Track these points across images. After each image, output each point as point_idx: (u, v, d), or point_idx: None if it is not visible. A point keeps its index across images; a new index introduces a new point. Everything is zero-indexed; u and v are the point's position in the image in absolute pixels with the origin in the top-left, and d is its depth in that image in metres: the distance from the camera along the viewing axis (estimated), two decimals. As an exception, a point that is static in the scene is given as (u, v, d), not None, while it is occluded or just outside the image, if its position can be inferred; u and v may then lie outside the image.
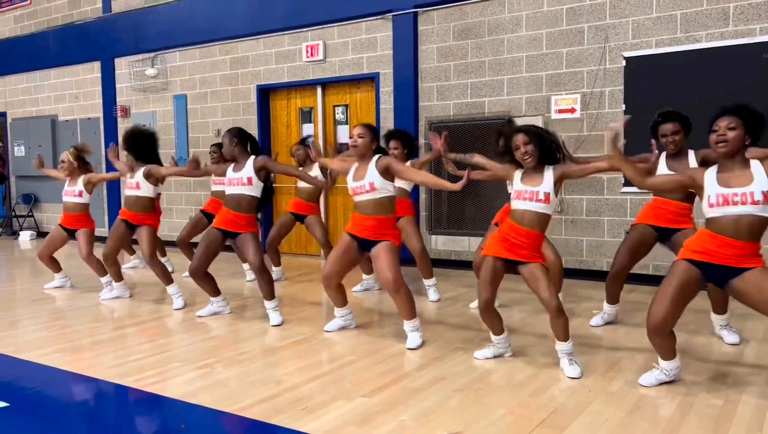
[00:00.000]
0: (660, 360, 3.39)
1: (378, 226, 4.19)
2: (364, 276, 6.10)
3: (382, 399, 3.25)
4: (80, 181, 6.02)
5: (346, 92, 8.09)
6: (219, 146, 6.60)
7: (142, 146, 5.57)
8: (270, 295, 4.86)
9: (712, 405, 3.11)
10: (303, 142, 6.54)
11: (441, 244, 7.37)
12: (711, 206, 3.09)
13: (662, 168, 4.18)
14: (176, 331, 4.75)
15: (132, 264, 7.58)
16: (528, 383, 3.47)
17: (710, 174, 3.15)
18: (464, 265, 7.17)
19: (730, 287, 3.15)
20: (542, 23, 6.56)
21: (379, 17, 7.52)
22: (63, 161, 6.07)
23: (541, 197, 3.58)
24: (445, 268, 7.21)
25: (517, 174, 3.72)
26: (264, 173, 4.86)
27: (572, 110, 6.43)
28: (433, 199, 7.36)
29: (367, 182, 4.18)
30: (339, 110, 8.21)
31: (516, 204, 3.67)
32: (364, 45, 7.71)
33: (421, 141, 7.36)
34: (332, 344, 4.33)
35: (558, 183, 3.63)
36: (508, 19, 6.75)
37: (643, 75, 6.05)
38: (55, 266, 6.29)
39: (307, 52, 8.08)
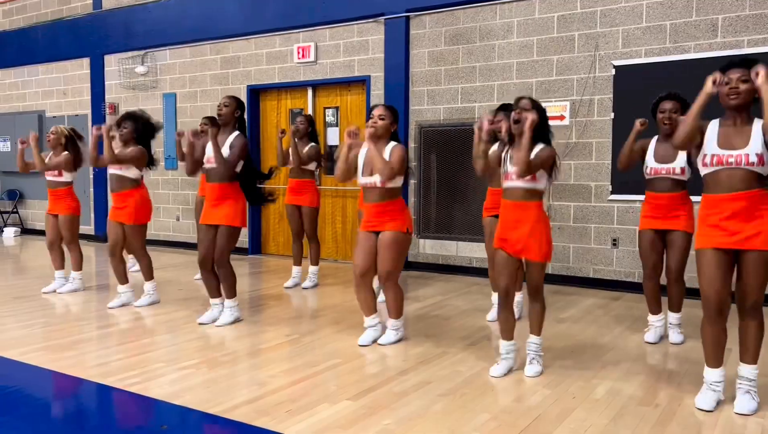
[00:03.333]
0: (705, 373, 3.23)
1: (385, 210, 4.17)
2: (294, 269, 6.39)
3: (366, 402, 3.24)
4: (57, 158, 5.95)
5: (337, 94, 8.08)
6: (210, 119, 6.60)
7: (146, 134, 5.47)
8: (229, 293, 4.85)
9: (695, 412, 3.13)
10: (310, 119, 6.50)
11: (429, 248, 7.37)
12: (705, 165, 3.14)
13: (650, 154, 4.25)
14: (160, 331, 4.71)
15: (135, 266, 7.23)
16: (512, 388, 3.47)
17: (712, 130, 3.15)
18: (452, 269, 7.18)
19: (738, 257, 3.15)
20: (533, 30, 6.60)
21: (371, 20, 7.53)
22: (54, 132, 6.01)
23: (527, 177, 3.59)
24: (432, 272, 7.22)
25: (506, 156, 3.72)
26: (235, 158, 4.79)
27: (561, 117, 6.46)
28: (421, 203, 7.37)
29: (377, 180, 4.14)
30: (329, 112, 8.20)
31: (507, 184, 3.70)
32: (356, 48, 7.71)
33: (411, 144, 7.37)
34: (317, 347, 4.32)
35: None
36: (499, 26, 6.78)
37: (632, 84, 6.09)
38: (59, 261, 6.11)
39: (299, 53, 8.07)
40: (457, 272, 7.13)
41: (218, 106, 4.87)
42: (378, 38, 7.51)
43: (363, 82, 7.72)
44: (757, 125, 3.07)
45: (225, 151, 4.75)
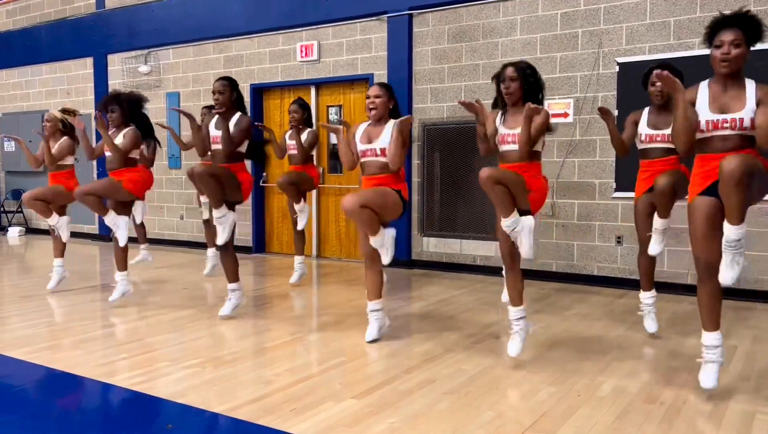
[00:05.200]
0: (704, 337, 3.24)
1: (381, 182, 4.15)
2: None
3: (371, 400, 3.24)
4: (58, 145, 6.00)
5: (340, 93, 8.08)
6: (209, 108, 6.61)
7: (135, 110, 5.48)
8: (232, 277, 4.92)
9: (700, 410, 3.13)
10: (303, 104, 6.36)
11: (433, 246, 7.37)
12: (701, 131, 3.14)
13: (643, 122, 4.28)
14: (165, 330, 4.72)
15: (141, 257, 7.09)
16: (518, 386, 3.47)
17: (702, 93, 3.15)
18: (456, 268, 7.17)
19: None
20: (537, 27, 6.58)
21: (374, 18, 7.52)
22: (48, 120, 6.04)
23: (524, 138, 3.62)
24: (436, 270, 7.21)
25: (498, 119, 3.76)
26: (239, 135, 4.82)
27: (565, 115, 6.45)
28: (425, 201, 7.37)
29: (378, 147, 4.11)
30: (333, 110, 8.20)
31: (502, 148, 3.76)
32: (359, 46, 7.70)
33: (415, 143, 7.36)
34: (322, 345, 4.32)
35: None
36: (502, 23, 6.77)
37: (636, 81, 6.04)
38: (48, 211, 6.03)
39: (302, 52, 8.07)
40: (461, 270, 7.12)
41: (213, 93, 4.86)
42: (381, 36, 7.51)
43: (366, 80, 7.71)
44: (751, 86, 3.06)
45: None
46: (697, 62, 5.77)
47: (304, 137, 6.17)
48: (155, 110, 9.54)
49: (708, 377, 3.21)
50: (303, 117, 6.24)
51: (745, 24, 3.08)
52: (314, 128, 6.39)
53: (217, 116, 4.92)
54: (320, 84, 8.14)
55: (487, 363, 3.84)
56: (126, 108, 5.41)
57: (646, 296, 4.47)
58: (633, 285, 6.09)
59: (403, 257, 7.28)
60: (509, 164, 3.72)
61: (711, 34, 3.16)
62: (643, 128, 4.29)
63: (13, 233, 10.97)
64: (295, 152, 6.23)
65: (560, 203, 6.55)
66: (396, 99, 4.31)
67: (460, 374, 3.66)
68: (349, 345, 4.26)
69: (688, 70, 5.71)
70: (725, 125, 3.07)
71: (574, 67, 6.40)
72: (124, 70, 9.70)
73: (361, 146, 4.22)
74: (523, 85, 3.69)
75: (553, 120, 6.44)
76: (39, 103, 11.09)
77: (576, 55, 6.39)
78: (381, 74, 7.52)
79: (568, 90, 6.44)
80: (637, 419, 3.02)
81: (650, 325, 4.43)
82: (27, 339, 4.42)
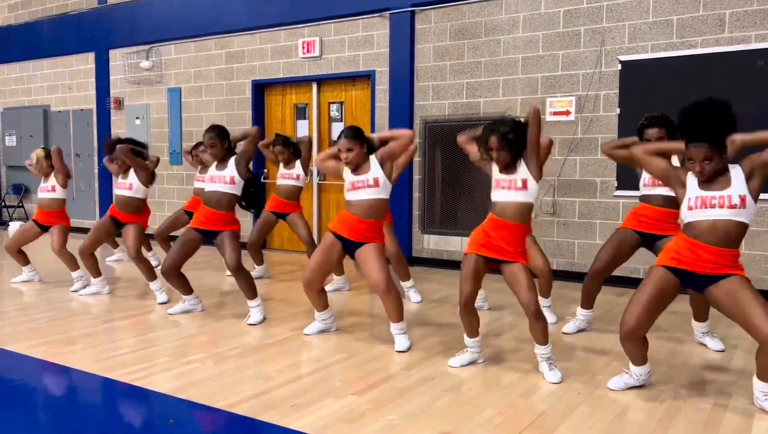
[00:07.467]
0: (630, 365, 3.37)
1: (368, 229, 4.08)
2: (335, 277, 5.98)
3: (371, 397, 3.24)
4: (52, 176, 5.94)
5: (342, 89, 8.07)
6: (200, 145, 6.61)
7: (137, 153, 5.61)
8: (251, 295, 4.77)
9: (700, 409, 3.13)
10: (285, 141, 6.34)
11: (433, 244, 7.37)
12: (690, 208, 3.11)
13: (644, 173, 4.18)
14: (165, 325, 4.72)
15: (116, 257, 7.52)
16: (517, 384, 3.47)
17: (692, 176, 3.15)
18: (456, 265, 7.16)
19: (707, 293, 3.14)
20: (539, 25, 6.57)
21: (376, 15, 7.51)
22: (37, 160, 5.96)
23: (519, 184, 3.51)
24: (436, 268, 7.21)
25: (495, 166, 3.62)
26: (244, 169, 4.81)
27: (567, 113, 6.45)
28: (426, 198, 7.37)
29: (371, 177, 4.04)
30: (334, 107, 8.19)
31: (495, 195, 3.61)
32: (361, 42, 7.69)
33: (416, 140, 7.35)
34: (322, 341, 4.32)
35: (534, 167, 3.53)
36: (505, 20, 6.75)
37: (638, 79, 6.06)
38: (23, 259, 6.19)
39: (303, 48, 8.06)
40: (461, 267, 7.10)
41: (204, 147, 4.90)
42: (383, 33, 7.50)
43: (368, 77, 7.70)
44: (737, 170, 3.05)
45: (230, 173, 4.77)
46: (700, 61, 5.77)
47: (296, 170, 6.20)
48: (156, 106, 9.56)
49: (616, 382, 3.39)
50: (291, 156, 6.21)
51: (712, 137, 3.03)
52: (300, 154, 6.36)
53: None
54: (322, 80, 8.13)
55: (486, 361, 3.84)
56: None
57: (584, 313, 4.56)
58: (633, 284, 6.08)
59: (403, 255, 7.26)
60: (504, 220, 3.55)
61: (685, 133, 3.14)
62: (644, 175, 4.18)
63: (14, 227, 10.96)
64: (281, 182, 6.28)
65: (561, 202, 6.54)
66: (367, 141, 4.17)
67: (460, 371, 3.67)
68: (349, 342, 4.26)
69: (689, 69, 5.74)
70: (713, 202, 3.04)
71: (577, 65, 6.39)
72: (126, 66, 9.69)
73: (351, 177, 4.10)
74: (512, 148, 3.52)
75: (555, 118, 6.50)
76: (40, 99, 11.08)
77: (578, 53, 6.38)
78: (383, 71, 7.51)
79: (570, 88, 6.43)
80: (637, 418, 3.03)
81: (570, 328, 4.55)
82: (27, 333, 4.43)
